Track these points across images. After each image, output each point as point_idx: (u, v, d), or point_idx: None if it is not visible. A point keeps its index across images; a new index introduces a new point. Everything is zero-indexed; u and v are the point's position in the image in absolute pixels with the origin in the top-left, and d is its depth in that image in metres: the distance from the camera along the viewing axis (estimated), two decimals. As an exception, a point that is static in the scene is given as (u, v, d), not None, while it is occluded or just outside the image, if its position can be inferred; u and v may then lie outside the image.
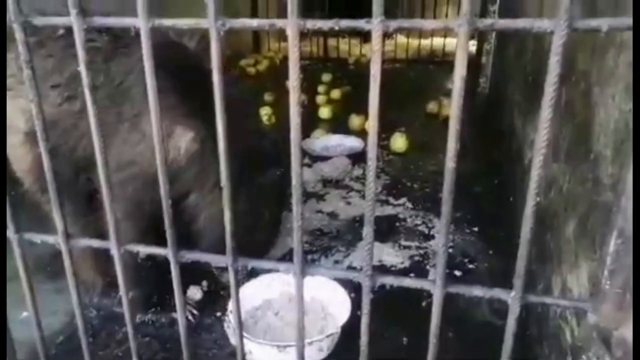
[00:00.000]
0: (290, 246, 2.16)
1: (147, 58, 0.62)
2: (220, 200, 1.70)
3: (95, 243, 0.88)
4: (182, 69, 1.51)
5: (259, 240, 1.85)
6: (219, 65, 0.64)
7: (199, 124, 1.55)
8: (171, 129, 1.54)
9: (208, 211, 1.68)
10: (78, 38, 0.64)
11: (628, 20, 0.49)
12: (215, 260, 0.82)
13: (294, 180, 0.72)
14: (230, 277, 0.80)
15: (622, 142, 0.91)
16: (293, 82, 0.69)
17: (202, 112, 1.50)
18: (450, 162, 0.66)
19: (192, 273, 1.91)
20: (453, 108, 0.63)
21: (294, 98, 0.69)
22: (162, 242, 0.82)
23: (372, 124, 0.65)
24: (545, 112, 0.63)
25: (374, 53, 0.59)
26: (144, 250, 0.88)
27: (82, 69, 0.67)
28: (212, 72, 0.63)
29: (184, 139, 1.56)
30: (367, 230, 0.71)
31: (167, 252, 0.82)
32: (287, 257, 2.08)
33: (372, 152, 0.67)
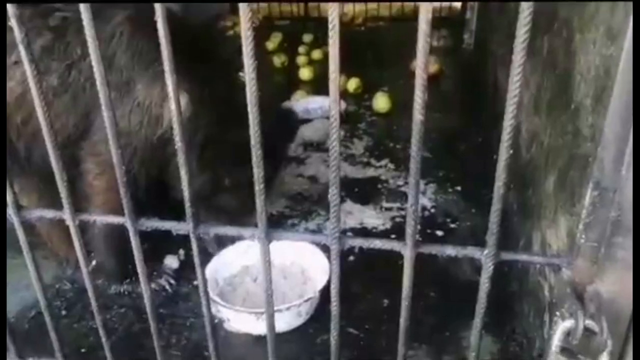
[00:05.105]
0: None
1: None
2: (203, 159, 1.63)
3: (49, 214, 0.83)
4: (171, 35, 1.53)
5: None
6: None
7: (193, 87, 1.55)
8: (167, 94, 1.54)
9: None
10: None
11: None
12: (176, 227, 0.78)
13: (253, 140, 0.67)
14: (193, 245, 0.76)
15: (603, 89, 0.86)
16: (245, 31, 0.63)
17: (194, 74, 1.51)
18: (418, 115, 0.61)
19: (169, 242, 1.87)
20: (418, 58, 0.59)
21: (247, 51, 0.64)
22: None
23: (332, 77, 0.60)
24: (518, 56, 0.59)
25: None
26: (100, 219, 0.84)
27: None
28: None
29: (181, 103, 1.58)
30: (333, 192, 0.67)
31: (124, 220, 0.78)
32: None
33: (334, 109, 0.62)
